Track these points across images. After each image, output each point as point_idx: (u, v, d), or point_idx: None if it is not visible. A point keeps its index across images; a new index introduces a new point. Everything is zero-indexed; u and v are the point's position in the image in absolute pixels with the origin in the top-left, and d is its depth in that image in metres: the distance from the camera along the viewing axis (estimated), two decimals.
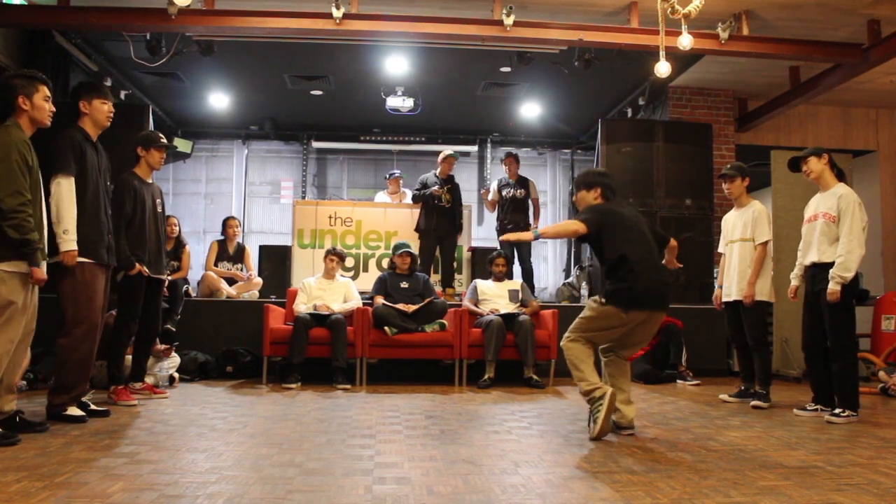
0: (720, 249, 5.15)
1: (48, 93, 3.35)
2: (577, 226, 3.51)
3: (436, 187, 6.98)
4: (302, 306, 5.76)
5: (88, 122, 3.80)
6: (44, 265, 3.16)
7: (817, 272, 4.13)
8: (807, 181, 4.37)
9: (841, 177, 4.23)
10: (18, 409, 3.31)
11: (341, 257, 6.16)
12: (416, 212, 7.34)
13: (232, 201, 10.36)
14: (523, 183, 7.40)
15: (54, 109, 3.39)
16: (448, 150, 7.62)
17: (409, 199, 7.96)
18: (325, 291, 5.90)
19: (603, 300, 3.45)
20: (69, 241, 3.52)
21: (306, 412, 4.07)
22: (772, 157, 6.40)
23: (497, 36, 5.64)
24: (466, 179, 7.46)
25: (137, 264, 4.22)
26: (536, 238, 3.79)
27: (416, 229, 7.10)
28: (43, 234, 3.25)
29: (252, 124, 10.02)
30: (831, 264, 4.00)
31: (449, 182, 7.10)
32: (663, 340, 5.97)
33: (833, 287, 3.94)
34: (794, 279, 4.38)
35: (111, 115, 3.88)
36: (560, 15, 5.77)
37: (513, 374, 5.64)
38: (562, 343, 3.54)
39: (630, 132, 7.43)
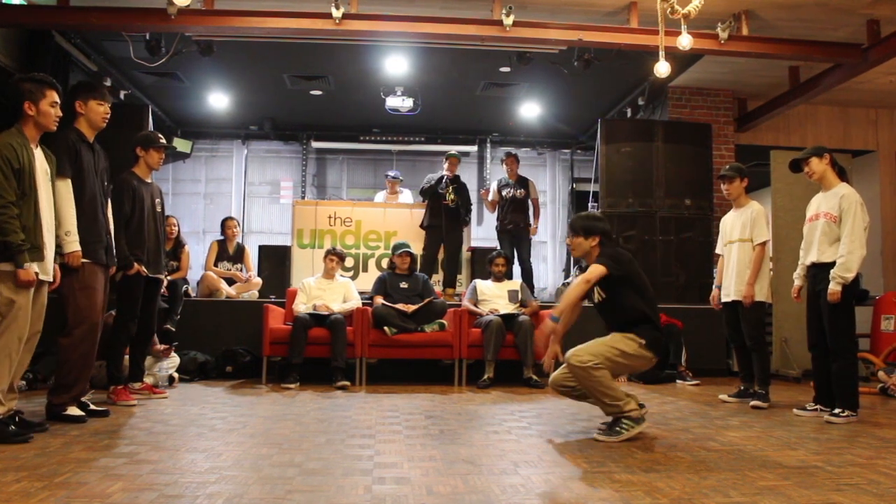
0: (718, 251, 5.14)
1: (56, 98, 3.35)
2: (582, 288, 3.46)
3: (446, 174, 7.03)
4: (301, 306, 5.76)
5: (84, 123, 3.80)
6: (33, 266, 3.15)
7: (818, 272, 4.13)
8: (806, 181, 4.36)
9: (843, 175, 4.22)
10: (18, 409, 3.31)
11: (341, 257, 6.16)
12: (416, 212, 7.34)
13: (231, 201, 10.36)
14: (523, 183, 7.39)
15: (61, 115, 3.40)
16: (452, 150, 7.63)
17: (405, 200, 7.97)
18: (325, 291, 5.90)
19: (643, 342, 3.43)
20: (72, 243, 3.53)
21: (306, 412, 4.07)
22: (771, 157, 6.40)
23: (497, 36, 5.64)
24: (466, 179, 7.45)
25: (136, 264, 4.22)
26: (556, 322, 3.53)
27: (421, 226, 7.12)
28: (41, 233, 3.24)
29: (251, 124, 10.02)
30: (831, 264, 3.99)
31: (455, 182, 7.11)
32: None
33: (834, 288, 3.94)
34: (797, 279, 4.37)
35: (107, 116, 3.86)
36: (560, 15, 5.77)
37: (512, 374, 5.64)
38: (586, 367, 3.30)
39: (630, 132, 7.44)
